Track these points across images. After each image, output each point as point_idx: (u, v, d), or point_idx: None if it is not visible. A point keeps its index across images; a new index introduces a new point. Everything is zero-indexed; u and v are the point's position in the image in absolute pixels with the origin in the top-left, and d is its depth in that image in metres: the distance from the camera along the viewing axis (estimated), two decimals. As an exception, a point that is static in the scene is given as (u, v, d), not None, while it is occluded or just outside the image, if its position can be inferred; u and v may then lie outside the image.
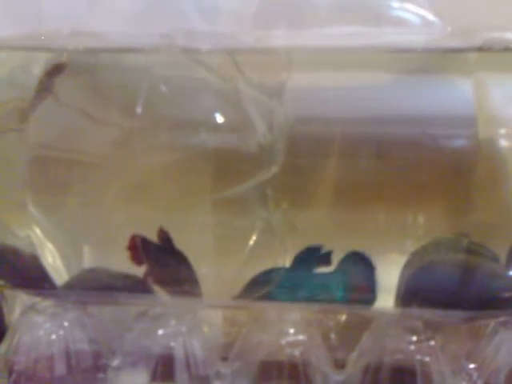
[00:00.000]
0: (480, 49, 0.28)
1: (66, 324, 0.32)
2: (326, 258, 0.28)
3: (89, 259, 0.30)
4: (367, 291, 0.29)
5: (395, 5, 0.29)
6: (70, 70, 0.29)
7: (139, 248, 0.29)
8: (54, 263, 0.30)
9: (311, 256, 0.28)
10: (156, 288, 0.30)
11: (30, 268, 0.30)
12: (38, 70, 0.29)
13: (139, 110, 0.28)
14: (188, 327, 0.32)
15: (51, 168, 0.28)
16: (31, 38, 0.31)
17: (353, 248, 0.28)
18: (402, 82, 0.28)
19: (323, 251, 0.28)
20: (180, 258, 0.29)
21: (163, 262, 0.29)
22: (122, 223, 0.29)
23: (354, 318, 0.35)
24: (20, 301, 0.37)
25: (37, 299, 0.34)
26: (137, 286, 0.30)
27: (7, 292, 0.37)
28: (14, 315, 0.37)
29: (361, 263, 0.28)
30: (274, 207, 0.27)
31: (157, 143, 0.28)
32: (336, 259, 0.28)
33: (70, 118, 0.29)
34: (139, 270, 0.29)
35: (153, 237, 0.28)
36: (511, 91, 0.27)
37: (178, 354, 0.32)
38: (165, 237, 0.28)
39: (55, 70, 0.29)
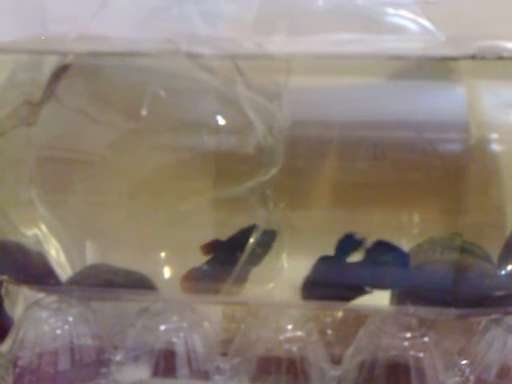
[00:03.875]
0: (473, 57, 0.28)
1: (70, 319, 0.33)
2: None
3: (92, 255, 0.30)
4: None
5: (391, 12, 0.30)
6: (76, 73, 0.30)
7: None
8: (58, 258, 0.30)
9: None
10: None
11: (35, 265, 0.31)
12: (48, 66, 0.29)
13: (142, 112, 0.28)
14: (189, 323, 0.32)
15: (57, 167, 0.29)
16: (36, 41, 0.32)
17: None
18: (398, 87, 0.29)
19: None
20: None
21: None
22: (124, 221, 0.29)
23: (350, 315, 0.35)
24: (23, 296, 0.37)
25: (41, 295, 0.34)
26: (139, 283, 0.30)
27: (11, 287, 0.37)
28: (16, 311, 0.37)
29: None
30: (273, 207, 0.28)
31: (159, 144, 0.29)
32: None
33: (75, 119, 0.29)
34: (141, 267, 0.30)
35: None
36: (502, 98, 0.28)
37: (180, 349, 0.32)
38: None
39: (60, 71, 0.29)
